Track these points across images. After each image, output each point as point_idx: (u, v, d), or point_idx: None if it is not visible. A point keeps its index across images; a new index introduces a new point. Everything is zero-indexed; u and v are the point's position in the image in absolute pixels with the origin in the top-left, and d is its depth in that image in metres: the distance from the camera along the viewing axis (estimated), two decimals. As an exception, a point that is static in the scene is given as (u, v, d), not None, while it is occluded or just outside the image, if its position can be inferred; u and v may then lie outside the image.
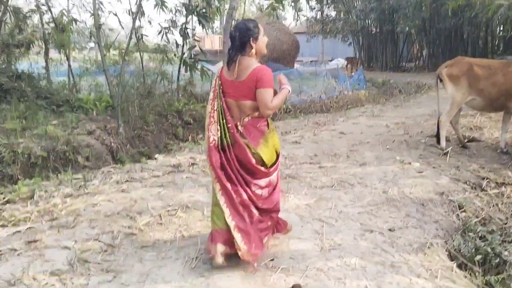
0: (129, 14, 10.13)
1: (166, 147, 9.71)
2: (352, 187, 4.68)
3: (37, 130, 7.71)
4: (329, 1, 28.50)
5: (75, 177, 5.18)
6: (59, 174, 5.63)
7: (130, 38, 9.09)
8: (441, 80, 5.97)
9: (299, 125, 8.26)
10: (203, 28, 10.18)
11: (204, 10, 9.64)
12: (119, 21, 10.42)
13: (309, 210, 4.10)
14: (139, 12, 9.16)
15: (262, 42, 3.01)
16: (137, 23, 10.49)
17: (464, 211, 4.30)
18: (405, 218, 4.02)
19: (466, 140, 6.38)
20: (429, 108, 10.09)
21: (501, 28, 20.33)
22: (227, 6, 13.02)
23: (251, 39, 2.94)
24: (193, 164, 5.56)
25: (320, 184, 4.78)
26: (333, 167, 5.42)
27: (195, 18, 11.17)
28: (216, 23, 44.45)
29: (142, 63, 11.67)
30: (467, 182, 4.94)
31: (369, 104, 11.65)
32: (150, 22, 10.84)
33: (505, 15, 15.34)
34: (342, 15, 28.43)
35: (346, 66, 24.74)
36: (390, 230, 3.80)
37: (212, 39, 37.47)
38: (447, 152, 5.74)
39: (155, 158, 6.54)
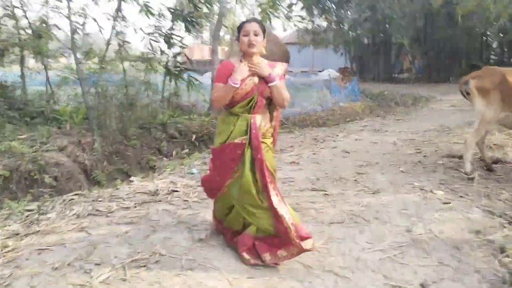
0: (112, 19, 9.25)
1: (148, 163, 8.80)
2: (368, 224, 3.80)
3: (0, 146, 6.77)
4: (319, 12, 27.81)
5: (28, 208, 4.24)
6: (12, 203, 4.69)
7: (108, 44, 8.19)
8: (467, 94, 5.11)
9: (296, 141, 7.40)
10: (189, 33, 9.32)
11: (191, 15, 8.78)
12: (99, 27, 9.51)
13: (317, 257, 3.21)
14: (117, 16, 8.29)
15: (241, 41, 3.05)
16: (118, 28, 9.64)
17: (507, 255, 3.44)
18: (439, 268, 3.14)
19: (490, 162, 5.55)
20: (434, 122, 9.33)
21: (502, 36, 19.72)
22: (217, 14, 12.23)
23: (233, 38, 2.72)
24: (173, 191, 4.64)
25: (328, 219, 3.89)
26: (341, 195, 4.55)
27: (182, 26, 10.45)
28: (206, 34, 43.92)
29: (124, 72, 10.75)
30: (503, 216, 4.09)
31: (367, 118, 10.86)
32: (135, 30, 9.98)
33: (503, 26, 14.84)
34: (333, 26, 27.82)
35: (343, 76, 23.99)
36: (422, 286, 2.94)
37: (202, 49, 36.77)
38: (473, 177, 4.91)
39: (131, 181, 5.63)
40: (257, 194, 3.03)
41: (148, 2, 9.41)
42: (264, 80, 3.03)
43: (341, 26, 27.65)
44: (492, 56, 23.07)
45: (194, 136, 9.57)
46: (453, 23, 20.11)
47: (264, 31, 3.08)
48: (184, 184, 4.90)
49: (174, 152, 9.23)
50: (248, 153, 3.04)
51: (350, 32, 26.78)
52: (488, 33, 17.84)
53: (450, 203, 4.25)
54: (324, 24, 29.12)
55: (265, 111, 3.16)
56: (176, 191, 4.64)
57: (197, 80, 9.56)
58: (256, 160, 3.02)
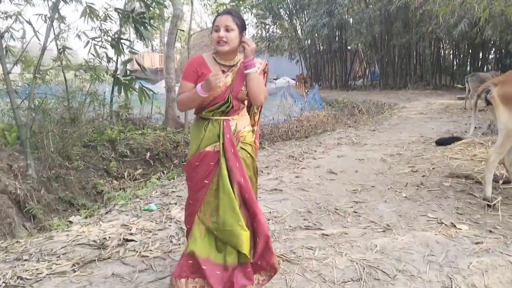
0: (46, 21, 7.89)
1: (95, 187, 7.58)
2: (393, 281, 2.84)
3: None
4: (273, 20, 27.12)
5: None
6: None
7: (44, 50, 6.87)
8: (488, 104, 4.27)
9: (270, 160, 6.39)
10: (140, 39, 8.13)
11: (142, 15, 7.61)
12: (33, 30, 8.11)
13: None
14: (55, 16, 7.00)
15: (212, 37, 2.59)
16: (57, 31, 8.32)
17: None
18: None
19: (501, 182, 4.75)
20: (412, 132, 8.64)
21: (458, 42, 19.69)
22: (169, 16, 11.09)
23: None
24: (126, 240, 3.50)
25: (339, 276, 2.90)
26: (344, 235, 3.58)
27: (132, 30, 9.26)
28: (156, 41, 42.34)
29: (66, 82, 9.38)
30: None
31: (339, 128, 10.04)
32: (79, 35, 8.66)
33: (463, 31, 14.57)
34: (288, 33, 27.26)
35: (304, 83, 23.35)
36: None
37: (152, 57, 35.19)
38: (494, 204, 4.09)
39: (69, 222, 4.44)
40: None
41: (92, 3, 8.16)
42: (239, 79, 2.58)
43: (296, 32, 27.14)
44: (446, 63, 23.13)
45: (148, 154, 8.40)
46: (408, 29, 20.00)
47: (241, 26, 2.55)
48: (141, 227, 3.77)
49: (125, 174, 8.05)
50: (223, 163, 2.53)
51: (305, 39, 26.30)
52: (443, 35, 17.56)
53: (482, 242, 3.38)
54: (279, 31, 28.58)
55: (242, 113, 2.72)
56: (131, 240, 3.50)
57: (150, 90, 8.38)
58: (233, 171, 2.52)
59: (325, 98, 18.62)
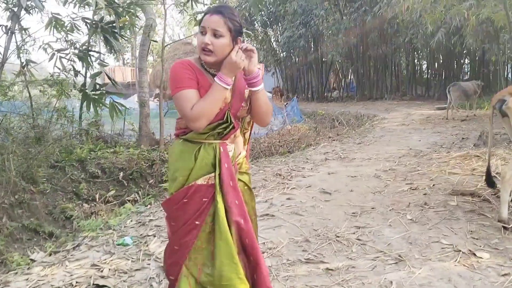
0: (6, 33, 7.24)
1: (63, 213, 6.91)
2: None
3: None
4: (248, 32, 26.83)
5: None
6: None
7: (3, 64, 6.24)
8: (504, 116, 3.87)
9: (257, 179, 5.88)
10: (111, 50, 7.55)
11: (112, 25, 7.04)
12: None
13: None
14: (15, 28, 6.38)
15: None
16: (17, 42, 7.66)
17: None
18: None
19: None
20: (399, 145, 8.31)
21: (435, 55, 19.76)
22: (141, 26, 10.53)
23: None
24: (98, 286, 2.93)
25: (356, 325, 2.43)
26: (352, 269, 3.10)
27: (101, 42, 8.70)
28: (127, 54, 41.49)
29: (31, 99, 8.68)
30: None
31: (322, 142, 9.64)
32: (45, 48, 8.00)
33: (440, 40, 14.52)
34: (263, 45, 27.01)
35: (281, 96, 23.07)
36: None
37: (124, 71, 34.35)
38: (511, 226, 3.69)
39: (30, 261, 3.82)
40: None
41: (57, 14, 7.56)
42: (238, 94, 2.07)
43: (271, 44, 26.93)
44: (422, 74, 23.27)
45: (121, 174, 7.77)
46: (384, 40, 19.97)
47: (234, 30, 1.98)
48: (114, 267, 3.19)
49: (97, 196, 7.42)
50: (220, 200, 2.02)
51: (281, 51, 26.12)
52: (420, 45, 17.55)
53: (510, 274, 2.95)
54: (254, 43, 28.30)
55: (237, 133, 2.19)
56: (103, 286, 2.93)
57: (122, 105, 7.80)
58: (231, 209, 2.02)
59: (303, 110, 18.32)
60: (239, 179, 2.16)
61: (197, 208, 2.02)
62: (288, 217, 4.22)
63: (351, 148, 8.26)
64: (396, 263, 3.18)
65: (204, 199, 2.02)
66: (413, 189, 4.99)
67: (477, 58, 18.45)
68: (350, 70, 24.39)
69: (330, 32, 20.18)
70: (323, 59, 24.59)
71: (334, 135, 11.41)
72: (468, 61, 21.27)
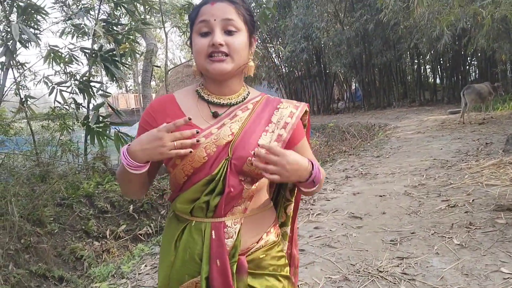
0: (1, 69, 6.93)
1: (73, 253, 6.57)
2: None
3: None
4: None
5: None
6: None
7: (0, 101, 5.92)
8: None
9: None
10: (112, 78, 7.22)
11: (112, 53, 6.73)
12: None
13: None
14: (10, 64, 6.08)
15: (195, 49, 1.31)
16: (14, 78, 7.37)
17: None
18: None
19: None
20: (421, 155, 7.85)
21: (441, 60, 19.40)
22: (142, 52, 10.27)
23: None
24: None
25: None
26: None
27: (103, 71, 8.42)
28: (130, 81, 41.51)
29: (33, 135, 8.36)
30: None
31: (338, 157, 9.22)
32: (46, 82, 7.70)
33: (447, 43, 14.18)
34: (265, 61, 26.81)
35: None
36: None
37: (127, 98, 34.27)
38: None
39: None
40: None
41: (55, 46, 7.27)
42: (250, 132, 1.31)
43: (273, 60, 26.70)
44: (429, 79, 22.90)
45: (131, 207, 7.42)
46: (388, 47, 19.64)
47: (250, 24, 1.33)
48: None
49: (107, 232, 7.06)
50: None
51: (283, 66, 25.89)
52: (425, 50, 17.21)
53: None
54: (257, 60, 28.12)
55: (256, 203, 1.36)
56: None
57: (127, 135, 7.44)
58: None
59: (311, 124, 17.82)
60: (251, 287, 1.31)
61: None
62: (320, 250, 3.79)
63: (371, 163, 7.83)
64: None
65: None
66: (451, 207, 4.55)
67: (486, 58, 18.03)
68: (355, 80, 24.04)
69: (331, 43, 19.89)
70: (327, 71, 24.28)
71: (348, 148, 10.99)
72: (476, 62, 20.86)
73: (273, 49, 26.71)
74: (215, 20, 1.25)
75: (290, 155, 1.18)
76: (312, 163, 1.26)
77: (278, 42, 25.94)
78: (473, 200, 4.64)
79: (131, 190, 1.35)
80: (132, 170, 1.21)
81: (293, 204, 1.55)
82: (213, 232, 1.27)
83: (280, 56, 24.91)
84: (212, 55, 1.25)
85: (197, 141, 1.20)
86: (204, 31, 1.27)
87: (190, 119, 1.19)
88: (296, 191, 1.52)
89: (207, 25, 1.26)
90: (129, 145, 1.21)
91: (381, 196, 5.33)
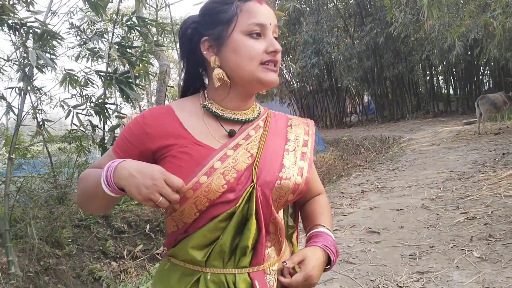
0: (19, 94, 7.10)
1: (92, 274, 6.63)
2: None
3: None
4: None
5: None
6: None
7: (18, 127, 6.05)
8: None
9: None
10: (127, 100, 7.34)
11: (127, 75, 6.85)
12: (8, 105, 7.31)
13: None
14: (28, 89, 6.22)
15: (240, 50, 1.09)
16: (32, 102, 7.52)
17: None
18: None
19: None
20: (437, 167, 7.78)
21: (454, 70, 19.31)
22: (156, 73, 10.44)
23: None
24: None
25: None
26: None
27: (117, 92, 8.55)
28: (143, 101, 41.99)
29: (50, 158, 8.51)
30: None
31: (353, 171, 9.18)
32: (62, 105, 7.87)
33: (459, 54, 14.12)
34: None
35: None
36: None
37: (141, 118, 34.66)
38: None
39: None
40: None
41: (71, 69, 7.43)
42: (271, 152, 1.15)
43: (284, 76, 26.86)
44: (442, 90, 22.77)
45: (148, 226, 7.48)
46: (399, 59, 19.63)
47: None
48: None
49: (124, 252, 7.10)
50: None
51: (295, 81, 26.01)
52: (437, 61, 17.13)
53: None
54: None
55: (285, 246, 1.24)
56: None
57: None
58: None
59: (325, 139, 17.90)
60: None
61: None
62: (338, 267, 3.77)
63: (386, 176, 7.78)
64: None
65: None
66: (470, 219, 4.50)
67: (499, 68, 17.88)
68: (367, 93, 24.01)
69: (342, 58, 19.95)
70: (338, 85, 24.32)
71: (362, 162, 10.93)
72: (489, 72, 20.71)
73: (284, 66, 26.91)
74: (270, 24, 1.11)
75: (312, 270, 1.09)
76: (325, 247, 1.15)
77: (289, 59, 26.11)
78: (492, 212, 4.58)
79: (93, 205, 1.11)
80: (106, 189, 0.98)
81: (296, 233, 1.37)
82: (256, 283, 1.05)
83: (291, 71, 25.04)
84: (270, 62, 1.11)
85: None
86: (257, 32, 1.09)
87: (231, 134, 1.12)
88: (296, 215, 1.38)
89: (262, 28, 1.10)
90: (123, 161, 0.99)
91: (398, 210, 5.29)
